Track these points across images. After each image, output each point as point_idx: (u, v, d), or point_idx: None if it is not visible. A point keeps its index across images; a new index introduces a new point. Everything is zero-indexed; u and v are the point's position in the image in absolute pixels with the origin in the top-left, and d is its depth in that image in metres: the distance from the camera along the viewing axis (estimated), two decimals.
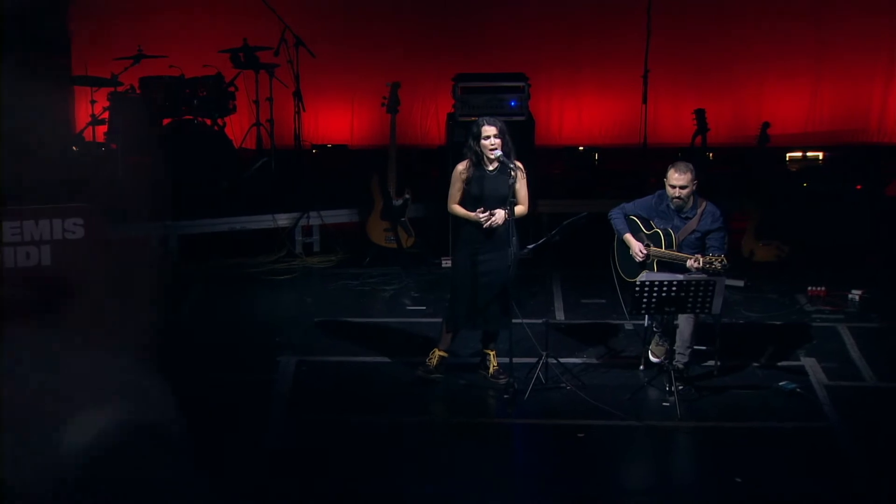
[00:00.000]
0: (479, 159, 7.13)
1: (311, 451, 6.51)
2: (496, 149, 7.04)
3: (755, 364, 7.72)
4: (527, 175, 7.18)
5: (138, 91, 10.81)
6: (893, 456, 6.41)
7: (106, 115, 10.78)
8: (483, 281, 7.17)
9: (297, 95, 10.80)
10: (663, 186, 7.43)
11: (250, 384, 7.40)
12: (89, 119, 10.87)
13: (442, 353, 7.42)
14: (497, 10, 12.34)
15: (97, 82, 10.84)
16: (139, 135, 10.69)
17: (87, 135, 11.04)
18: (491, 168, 7.15)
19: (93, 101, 10.84)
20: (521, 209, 7.11)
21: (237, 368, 7.66)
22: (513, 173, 7.01)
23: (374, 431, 6.77)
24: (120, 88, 10.75)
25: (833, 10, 12.25)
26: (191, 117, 10.77)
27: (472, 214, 7.11)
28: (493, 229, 7.09)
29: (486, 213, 7.06)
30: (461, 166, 7.20)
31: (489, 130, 7.07)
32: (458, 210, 7.21)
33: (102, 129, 10.89)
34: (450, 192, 7.24)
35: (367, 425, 6.84)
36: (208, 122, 10.83)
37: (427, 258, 9.93)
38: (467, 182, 7.16)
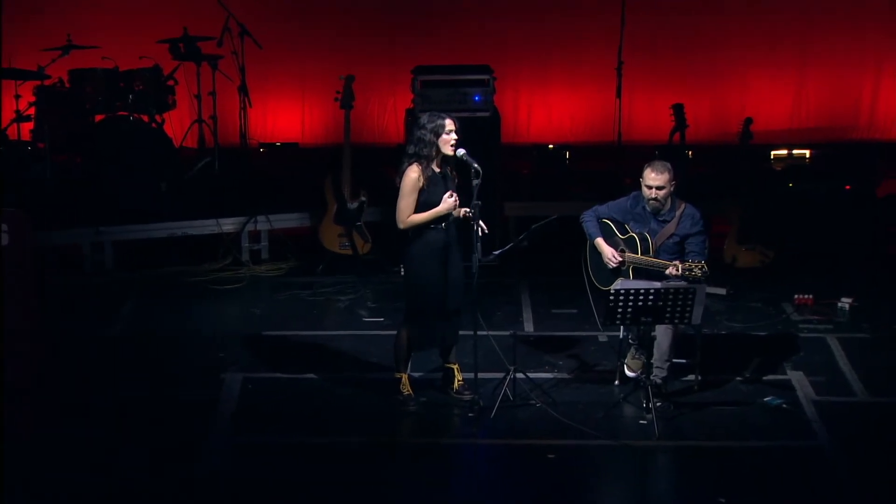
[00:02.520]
0: (432, 159, 7.00)
1: (257, 477, 6.48)
2: (455, 144, 7.00)
3: (738, 378, 7.77)
4: (489, 176, 7.17)
5: (67, 85, 10.75)
6: (886, 476, 6.48)
7: (32, 110, 10.69)
8: (450, 293, 7.14)
9: (243, 90, 10.78)
10: (639, 187, 7.47)
11: (191, 403, 7.36)
12: (13, 115, 10.77)
13: (406, 375, 7.38)
14: None
15: (22, 75, 10.75)
16: (69, 132, 10.62)
17: (12, 132, 10.94)
18: (439, 170, 7.06)
19: (17, 96, 10.74)
20: None
21: (177, 386, 7.62)
22: (470, 179, 6.93)
23: (327, 455, 6.75)
24: (47, 82, 10.67)
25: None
26: (126, 113, 10.71)
27: (441, 207, 6.95)
28: (456, 235, 7.08)
29: (453, 196, 6.97)
30: (414, 174, 6.97)
31: (452, 125, 7.00)
32: (420, 217, 6.99)
33: (28, 126, 10.81)
34: (403, 205, 6.99)
35: (319, 448, 6.82)
36: (145, 118, 10.78)
37: (385, 265, 9.92)
38: (425, 187, 6.99)
